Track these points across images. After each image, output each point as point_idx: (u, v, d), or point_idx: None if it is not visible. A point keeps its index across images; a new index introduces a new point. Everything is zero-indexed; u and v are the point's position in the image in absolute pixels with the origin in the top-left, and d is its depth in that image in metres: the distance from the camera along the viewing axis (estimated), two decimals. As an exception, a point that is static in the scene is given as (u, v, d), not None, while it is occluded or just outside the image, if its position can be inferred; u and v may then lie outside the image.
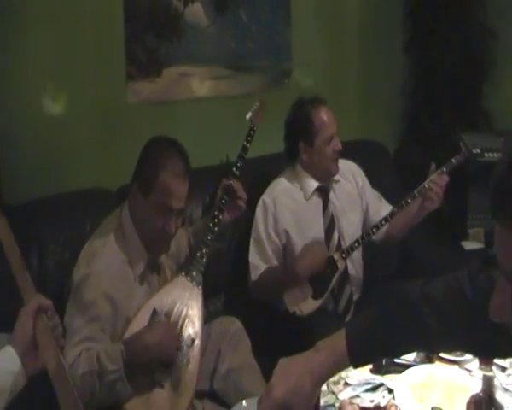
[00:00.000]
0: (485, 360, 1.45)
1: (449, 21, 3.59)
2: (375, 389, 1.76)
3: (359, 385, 1.77)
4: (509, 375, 1.77)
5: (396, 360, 1.84)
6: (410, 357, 1.86)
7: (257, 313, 2.67)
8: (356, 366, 1.29)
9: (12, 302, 1.40)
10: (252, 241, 2.68)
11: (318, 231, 2.70)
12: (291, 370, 1.25)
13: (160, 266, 2.24)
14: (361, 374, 1.80)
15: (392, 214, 2.65)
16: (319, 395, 1.59)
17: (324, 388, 1.75)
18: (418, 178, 2.70)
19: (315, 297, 2.63)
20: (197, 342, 2.12)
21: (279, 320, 2.66)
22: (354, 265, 2.77)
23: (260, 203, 2.70)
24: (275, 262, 2.67)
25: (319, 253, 2.61)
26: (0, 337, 1.65)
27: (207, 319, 2.41)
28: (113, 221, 2.16)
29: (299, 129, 2.67)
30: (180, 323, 2.12)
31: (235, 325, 2.32)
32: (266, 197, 2.70)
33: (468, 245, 3.26)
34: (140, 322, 2.05)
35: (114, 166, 2.75)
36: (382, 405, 1.69)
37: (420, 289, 1.27)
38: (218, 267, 2.55)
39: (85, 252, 2.09)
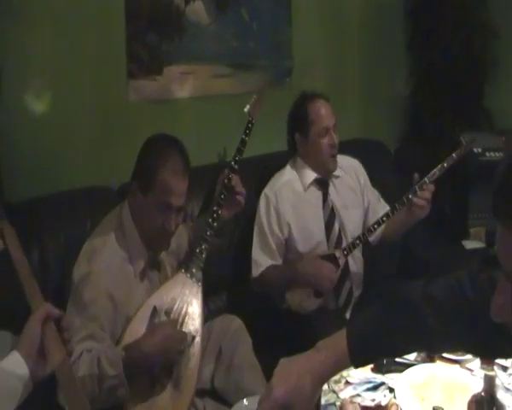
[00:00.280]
0: (487, 359, 1.45)
1: (450, 21, 3.59)
2: (376, 388, 1.76)
3: (360, 384, 1.77)
4: (510, 375, 1.77)
5: (397, 360, 1.84)
6: (411, 356, 1.86)
7: (258, 312, 2.67)
8: (357, 366, 1.29)
9: (14, 301, 1.40)
10: (255, 235, 2.69)
11: (318, 224, 2.72)
12: (291, 370, 1.25)
13: (161, 263, 2.24)
14: (362, 373, 1.80)
15: (384, 217, 2.65)
16: (320, 394, 1.59)
17: (325, 387, 1.75)
18: (419, 177, 2.70)
19: (317, 295, 2.63)
20: (198, 339, 2.12)
21: (280, 318, 2.67)
22: (355, 261, 2.77)
23: (262, 197, 2.71)
24: (278, 257, 2.68)
25: (326, 270, 2.60)
26: (2, 335, 1.65)
27: (208, 317, 2.41)
28: (113, 219, 2.16)
29: (296, 120, 2.73)
30: (180, 320, 2.11)
31: (236, 323, 2.32)
32: (268, 191, 2.72)
33: (469, 244, 3.26)
34: (140, 321, 2.05)
35: (115, 165, 2.74)
36: (383, 404, 1.69)
37: (421, 290, 1.27)
38: (219, 265, 2.54)
39: (85, 250, 2.09)
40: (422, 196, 2.56)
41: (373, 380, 1.79)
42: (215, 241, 2.35)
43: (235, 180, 2.33)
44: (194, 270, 2.21)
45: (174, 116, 2.97)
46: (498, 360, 1.76)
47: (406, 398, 1.67)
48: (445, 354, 1.87)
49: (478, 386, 1.51)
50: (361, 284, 2.81)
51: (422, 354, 1.88)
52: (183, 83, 3.03)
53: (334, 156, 2.70)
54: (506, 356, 1.58)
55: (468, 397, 1.47)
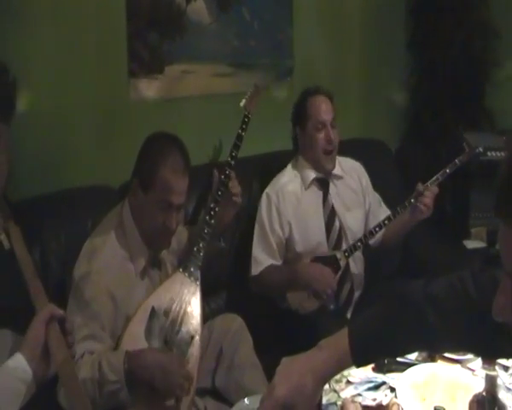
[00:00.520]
0: (488, 359, 1.45)
1: (451, 20, 3.59)
2: (377, 387, 1.76)
3: (361, 384, 1.77)
4: (511, 374, 1.77)
5: (398, 359, 1.83)
6: (413, 356, 1.86)
7: (259, 311, 2.67)
8: (358, 366, 1.29)
9: (15, 300, 1.40)
10: (255, 234, 2.69)
11: (318, 223, 2.72)
12: (293, 369, 1.25)
13: (161, 261, 2.24)
14: (363, 373, 1.80)
15: (385, 221, 2.68)
16: (321, 393, 1.59)
17: (326, 386, 1.74)
18: (420, 177, 2.70)
19: (316, 296, 2.63)
20: (196, 338, 2.12)
21: (281, 318, 2.66)
22: (355, 262, 2.77)
23: (264, 196, 2.71)
24: (278, 256, 2.69)
25: (325, 275, 2.60)
26: (3, 334, 1.65)
27: (209, 316, 2.41)
28: (114, 218, 2.16)
29: (297, 114, 2.75)
30: (179, 320, 2.11)
31: (236, 322, 2.32)
32: (270, 190, 2.72)
33: (470, 244, 3.26)
34: (139, 322, 2.05)
35: (116, 163, 2.74)
36: (384, 403, 1.69)
37: (423, 289, 1.27)
38: (219, 264, 2.54)
39: (86, 249, 2.09)
40: (424, 200, 2.57)
41: (374, 380, 1.78)
42: (216, 245, 2.34)
43: (232, 181, 2.32)
44: (192, 269, 2.21)
45: (175, 115, 2.97)
46: (500, 360, 1.76)
47: (407, 398, 1.66)
48: (446, 354, 1.86)
49: (479, 386, 1.51)
50: (362, 285, 2.81)
51: (424, 354, 1.87)
52: (184, 82, 3.03)
53: (329, 153, 2.70)
54: (508, 356, 1.58)
55: (470, 397, 1.47)
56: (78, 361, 1.88)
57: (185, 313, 2.13)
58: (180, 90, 3.03)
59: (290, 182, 2.74)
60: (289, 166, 2.79)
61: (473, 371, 1.81)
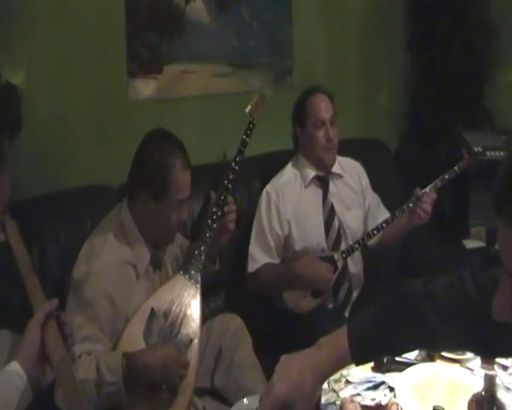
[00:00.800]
0: (487, 358, 1.45)
1: (451, 20, 3.59)
2: (376, 387, 1.76)
3: (360, 383, 1.77)
4: (510, 374, 1.77)
5: (397, 359, 1.83)
6: (412, 355, 1.86)
7: (258, 311, 2.67)
8: (358, 364, 1.29)
9: (12, 296, 1.39)
10: (253, 232, 2.70)
11: (317, 222, 2.72)
12: (293, 366, 1.25)
13: (161, 261, 2.23)
14: (362, 372, 1.80)
15: (384, 224, 2.69)
16: (320, 393, 1.59)
17: (325, 386, 1.74)
18: (419, 177, 2.71)
19: (314, 295, 2.63)
20: (195, 341, 2.11)
21: (280, 317, 2.66)
22: (354, 262, 2.77)
23: (263, 194, 2.72)
24: (275, 255, 2.69)
25: (324, 270, 2.61)
26: (2, 334, 1.64)
27: (208, 316, 2.41)
28: (113, 220, 2.15)
29: (296, 113, 2.76)
30: (178, 322, 2.11)
31: (235, 322, 2.32)
32: (269, 188, 2.73)
33: (470, 244, 3.26)
34: (138, 323, 2.04)
35: (115, 163, 2.73)
36: (383, 403, 1.68)
37: (422, 288, 1.27)
38: (219, 264, 2.54)
39: (85, 250, 2.09)
40: (422, 206, 2.58)
41: (373, 379, 1.78)
42: (212, 267, 2.34)
43: (229, 207, 2.30)
44: (192, 272, 2.20)
45: (174, 115, 2.97)
46: (499, 360, 1.76)
47: (406, 397, 1.66)
48: (445, 354, 1.86)
49: (478, 385, 1.51)
50: (360, 284, 2.81)
51: (423, 354, 1.87)
52: (183, 82, 3.03)
53: (329, 151, 2.70)
54: (507, 355, 1.58)
55: (469, 396, 1.47)
56: (76, 362, 1.87)
57: (185, 315, 2.13)
58: (179, 90, 3.03)
59: (290, 180, 2.75)
60: (289, 165, 2.80)
61: (472, 370, 1.81)
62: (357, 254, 2.77)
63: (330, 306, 2.70)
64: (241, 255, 2.73)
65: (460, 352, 1.83)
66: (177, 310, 2.12)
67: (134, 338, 2.02)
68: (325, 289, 2.62)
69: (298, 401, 1.22)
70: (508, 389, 1.70)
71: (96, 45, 2.75)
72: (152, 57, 2.91)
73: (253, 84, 3.23)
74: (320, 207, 2.75)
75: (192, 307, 2.15)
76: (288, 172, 2.78)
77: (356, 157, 2.92)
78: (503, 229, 0.93)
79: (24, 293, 1.37)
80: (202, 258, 2.23)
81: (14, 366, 1.29)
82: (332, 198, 2.77)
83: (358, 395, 1.72)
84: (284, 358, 1.28)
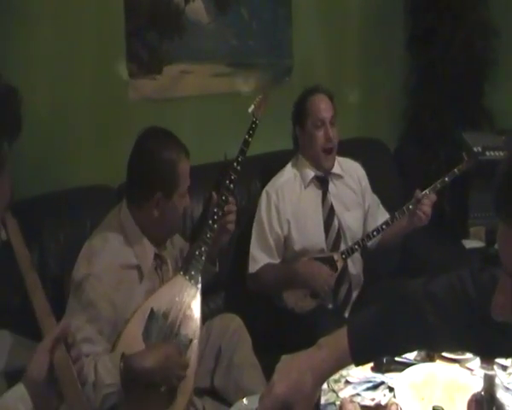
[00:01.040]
0: (487, 358, 1.45)
1: (450, 19, 3.59)
2: (375, 387, 1.75)
3: (360, 383, 1.77)
4: (510, 374, 1.77)
5: (397, 359, 1.83)
6: (411, 355, 1.86)
7: (257, 311, 2.67)
8: (357, 364, 1.29)
9: (13, 295, 1.39)
10: (254, 232, 2.70)
11: (317, 222, 2.72)
12: (293, 367, 1.25)
13: (163, 259, 2.23)
14: (362, 372, 1.80)
15: (383, 225, 2.69)
16: (320, 393, 1.59)
17: (325, 386, 1.74)
18: (419, 176, 2.71)
19: (314, 296, 2.63)
20: (195, 341, 2.11)
21: (280, 318, 2.67)
22: (353, 262, 2.77)
23: (263, 194, 2.72)
24: (276, 255, 2.69)
25: (325, 273, 2.61)
26: (2, 334, 1.64)
27: (208, 316, 2.40)
28: (113, 221, 2.14)
29: (296, 112, 2.77)
30: (178, 323, 2.10)
31: (235, 322, 2.32)
32: (269, 188, 2.73)
33: (469, 244, 3.27)
34: (137, 323, 2.04)
35: (115, 163, 2.73)
36: (383, 403, 1.68)
37: (422, 288, 1.27)
38: (219, 264, 2.54)
39: (85, 251, 2.08)
40: (422, 208, 2.58)
41: (373, 379, 1.78)
42: (211, 269, 2.34)
43: (229, 207, 2.31)
44: (193, 272, 2.20)
45: (174, 115, 2.97)
46: (498, 360, 1.76)
47: (406, 397, 1.66)
48: (444, 354, 1.86)
49: (478, 385, 1.51)
50: (360, 285, 2.82)
51: (422, 354, 1.87)
52: (182, 82, 3.03)
53: (329, 151, 2.70)
54: (506, 355, 1.58)
55: (468, 396, 1.47)
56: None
57: (184, 315, 2.12)
58: (179, 90, 3.03)
59: (290, 180, 2.75)
60: (289, 165, 2.80)
61: (471, 370, 1.81)
62: (357, 254, 2.77)
63: (330, 306, 2.70)
64: (241, 255, 2.73)
65: (459, 352, 1.83)
66: (177, 310, 2.11)
67: (133, 338, 2.01)
68: (324, 293, 2.61)
69: (298, 401, 1.22)
70: (507, 389, 1.70)
71: (96, 45, 2.75)
72: (151, 57, 2.91)
73: (252, 84, 3.23)
74: (319, 207, 2.75)
75: (192, 307, 2.15)
76: (288, 172, 2.78)
77: (355, 157, 2.92)
78: (503, 229, 0.93)
79: (24, 292, 1.36)
80: (203, 258, 2.22)
81: (21, 390, 1.26)
82: (331, 198, 2.77)
83: (358, 395, 1.72)
84: (284, 358, 1.28)
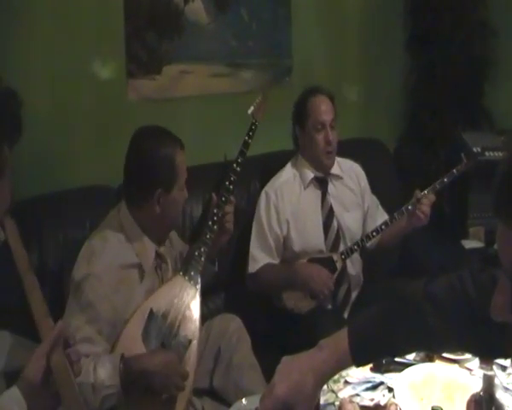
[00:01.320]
0: (486, 359, 1.45)
1: (450, 20, 3.59)
2: (375, 387, 1.75)
3: (359, 384, 1.77)
4: (509, 374, 1.77)
5: (396, 359, 1.83)
6: (411, 356, 1.86)
7: (257, 311, 2.67)
8: (358, 365, 1.29)
9: (12, 296, 1.38)
10: (253, 232, 2.70)
11: (316, 222, 2.72)
12: (294, 367, 1.25)
13: (163, 258, 2.23)
14: (361, 373, 1.79)
15: (383, 226, 2.69)
16: (319, 393, 1.59)
17: (324, 386, 1.74)
18: (418, 177, 2.71)
19: (313, 296, 2.63)
20: (194, 342, 2.11)
21: (279, 318, 2.66)
22: (353, 263, 2.77)
23: (263, 195, 2.72)
24: (275, 255, 2.69)
25: (324, 275, 2.61)
26: (1, 335, 1.64)
27: (207, 316, 2.40)
28: (112, 221, 2.14)
29: (296, 113, 2.76)
30: (177, 323, 2.10)
31: (235, 322, 2.32)
32: (268, 189, 2.73)
33: (469, 244, 3.27)
34: (137, 323, 2.04)
35: (115, 163, 2.73)
36: (382, 404, 1.68)
37: (422, 289, 1.27)
38: (218, 264, 2.54)
39: (85, 251, 2.08)
40: (421, 208, 2.58)
41: (372, 380, 1.78)
42: (210, 268, 2.34)
43: (228, 208, 2.31)
44: (192, 273, 2.20)
45: (173, 115, 2.97)
46: (497, 360, 1.76)
47: (405, 398, 1.66)
48: (444, 354, 1.86)
49: (477, 386, 1.51)
50: (359, 285, 2.82)
51: (421, 354, 1.87)
52: (182, 82, 3.03)
53: (329, 153, 2.70)
54: (506, 356, 1.58)
55: (467, 397, 1.47)
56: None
57: (184, 316, 2.12)
58: (178, 91, 3.03)
59: (289, 181, 2.75)
60: (289, 165, 2.80)
61: (470, 371, 1.81)
62: (356, 255, 2.77)
63: (329, 306, 2.70)
64: (241, 256, 2.73)
65: (459, 353, 1.83)
66: (176, 311, 2.11)
67: (132, 339, 2.01)
68: (322, 295, 2.60)
69: (299, 402, 1.22)
70: (506, 389, 1.70)
71: (95, 45, 2.75)
72: (151, 58, 2.91)
73: (252, 84, 3.23)
74: (319, 208, 2.75)
75: (191, 308, 2.15)
76: (287, 172, 2.78)
77: (355, 157, 2.92)
78: (502, 229, 0.93)
79: (23, 292, 1.35)
80: (202, 259, 2.22)
81: (15, 393, 1.26)
82: (331, 199, 2.77)
83: (357, 395, 1.72)
84: (285, 359, 1.28)
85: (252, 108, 2.43)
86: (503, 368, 1.79)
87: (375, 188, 2.93)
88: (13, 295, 1.38)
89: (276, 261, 2.70)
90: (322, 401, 1.65)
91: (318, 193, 2.77)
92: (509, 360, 1.81)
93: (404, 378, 1.74)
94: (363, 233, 2.77)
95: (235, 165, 2.33)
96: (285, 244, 2.71)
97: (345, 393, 1.73)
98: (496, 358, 1.61)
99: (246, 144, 2.37)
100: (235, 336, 2.28)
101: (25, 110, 1.30)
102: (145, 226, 2.13)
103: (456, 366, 1.84)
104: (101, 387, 1.85)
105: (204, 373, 2.23)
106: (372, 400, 1.70)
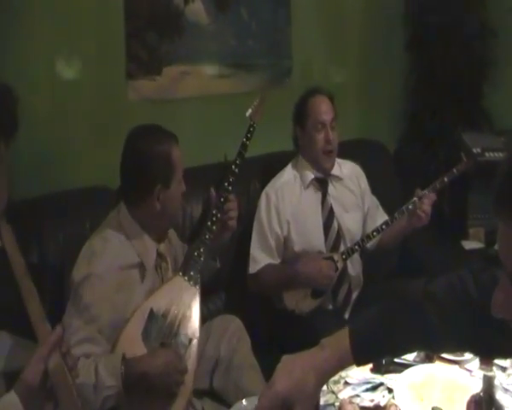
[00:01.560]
0: (486, 359, 1.45)
1: (450, 20, 3.59)
2: (374, 388, 1.75)
3: (359, 385, 1.77)
4: (509, 375, 1.77)
5: (396, 360, 1.83)
6: (410, 357, 1.86)
7: (257, 312, 2.67)
8: (359, 364, 1.29)
9: (11, 299, 1.38)
10: (254, 233, 2.70)
11: (316, 223, 2.72)
12: (295, 366, 1.25)
13: (163, 256, 2.23)
14: (361, 373, 1.79)
15: (383, 226, 2.69)
16: (319, 394, 1.59)
17: (324, 387, 1.74)
18: (418, 178, 2.71)
19: (314, 296, 2.63)
20: (194, 341, 2.11)
21: (279, 319, 2.66)
22: (353, 263, 2.77)
23: (263, 195, 2.72)
24: (276, 255, 2.69)
25: (325, 267, 2.61)
26: (1, 336, 1.63)
27: (207, 317, 2.40)
28: (112, 222, 2.14)
29: (296, 113, 2.77)
30: (177, 323, 2.11)
31: (235, 323, 2.32)
32: (269, 189, 2.73)
33: (468, 245, 3.27)
34: (137, 323, 2.04)
35: (115, 164, 2.74)
36: (382, 404, 1.68)
37: (423, 289, 1.27)
38: (219, 261, 2.54)
39: (85, 252, 2.08)
40: (422, 207, 2.58)
41: (372, 380, 1.78)
42: (212, 265, 2.34)
43: (230, 205, 2.31)
44: (192, 273, 2.20)
45: (173, 116, 2.97)
46: (497, 361, 1.76)
47: (405, 398, 1.66)
48: (444, 355, 1.86)
49: (477, 386, 1.51)
50: (359, 286, 2.82)
51: (421, 355, 1.87)
52: (182, 83, 3.03)
53: (329, 153, 2.70)
54: (506, 356, 1.58)
55: (467, 398, 1.47)
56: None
57: (184, 316, 2.12)
58: (178, 91, 3.03)
59: (290, 181, 2.75)
60: (289, 166, 2.80)
61: (470, 371, 1.81)
62: (356, 255, 2.77)
63: (330, 307, 2.70)
64: (241, 256, 2.73)
65: (459, 353, 1.83)
66: (176, 311, 2.12)
67: (133, 339, 2.01)
68: (326, 288, 2.62)
69: (300, 400, 1.22)
70: (506, 390, 1.70)
71: (96, 46, 2.75)
72: (151, 58, 2.91)
73: (252, 85, 3.23)
74: (319, 209, 2.75)
75: (191, 308, 2.15)
76: (288, 173, 2.78)
77: (355, 158, 2.92)
78: (503, 229, 0.93)
79: (20, 296, 1.35)
80: (201, 259, 2.22)
81: (12, 397, 1.26)
82: (331, 200, 2.77)
83: (357, 396, 1.72)
84: (286, 358, 1.28)
85: (250, 110, 2.44)
86: (503, 369, 1.79)
87: (375, 189, 2.94)
88: (12, 297, 1.38)
89: (276, 262, 2.70)
90: (322, 402, 1.65)
91: (318, 194, 2.77)
92: (508, 361, 1.81)
93: (404, 379, 1.74)
94: (363, 234, 2.77)
95: (233, 166, 2.34)
96: (285, 245, 2.71)
97: (345, 394, 1.73)
98: (496, 358, 1.61)
99: (244, 146, 2.38)
100: (235, 337, 2.28)
101: (25, 110, 1.30)
102: (145, 225, 2.13)
103: (456, 366, 1.84)
104: (102, 387, 1.85)
105: (204, 374, 2.23)
106: (372, 401, 1.70)
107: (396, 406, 1.65)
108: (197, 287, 2.19)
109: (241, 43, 3.20)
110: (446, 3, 3.59)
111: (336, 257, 2.65)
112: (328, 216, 2.75)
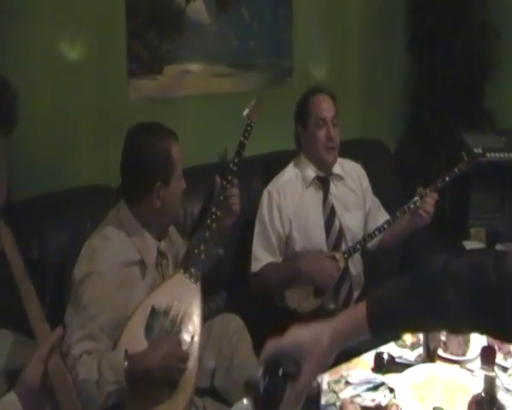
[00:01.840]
0: (488, 359, 1.45)
1: (450, 21, 3.59)
2: (376, 388, 1.76)
3: (360, 384, 1.77)
4: (510, 375, 1.77)
5: (397, 360, 1.84)
6: (412, 356, 1.86)
7: (258, 311, 2.66)
8: (374, 335, 1.28)
9: (11, 299, 1.38)
10: (256, 231, 2.70)
11: (318, 222, 2.72)
12: (310, 324, 1.26)
13: (163, 254, 2.23)
14: (362, 373, 1.80)
15: (385, 225, 2.68)
16: (320, 392, 1.59)
17: (325, 387, 1.75)
18: (419, 177, 2.71)
19: (316, 295, 2.63)
20: (196, 338, 2.12)
21: (280, 318, 2.65)
22: (354, 263, 2.78)
23: (265, 194, 2.73)
24: (278, 254, 2.70)
25: (328, 266, 2.61)
26: (3, 334, 1.63)
27: (208, 316, 2.41)
28: (112, 220, 2.14)
29: (298, 112, 2.78)
30: (179, 320, 2.11)
31: (236, 322, 2.32)
32: (271, 188, 2.74)
33: (470, 245, 3.26)
34: (138, 320, 2.04)
35: (116, 163, 2.74)
36: (383, 404, 1.69)
37: (443, 266, 1.27)
38: (223, 250, 2.54)
39: (86, 250, 2.08)
40: (424, 207, 2.58)
41: (373, 380, 1.78)
42: (214, 251, 2.34)
43: (232, 191, 2.32)
44: (192, 270, 2.21)
45: (174, 115, 2.96)
46: (499, 361, 1.76)
47: (406, 398, 1.67)
48: (445, 355, 1.87)
49: (478, 386, 1.51)
50: (360, 285, 2.82)
51: (422, 354, 1.88)
52: (183, 82, 3.03)
53: (330, 150, 2.71)
54: None
55: (469, 398, 1.47)
56: (77, 363, 1.86)
57: (185, 313, 2.13)
58: (179, 91, 3.03)
59: (291, 180, 2.76)
60: (291, 165, 2.81)
61: (471, 371, 1.81)
62: (357, 255, 2.77)
63: (331, 306, 2.70)
64: (242, 256, 2.73)
65: (460, 353, 1.84)
66: (178, 308, 2.12)
67: (135, 336, 2.01)
68: (328, 287, 2.61)
69: (311, 354, 1.23)
70: (507, 390, 1.71)
71: (96, 45, 2.75)
72: (152, 57, 2.91)
73: (253, 84, 3.24)
74: (320, 207, 2.75)
75: (192, 305, 2.16)
76: (290, 171, 2.79)
77: (356, 158, 2.93)
78: None
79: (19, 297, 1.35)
80: (202, 257, 2.23)
81: (12, 398, 1.26)
82: (332, 199, 2.77)
83: (358, 396, 1.73)
84: (297, 326, 1.29)
85: (247, 110, 2.45)
86: (505, 369, 1.79)
87: (376, 188, 2.94)
88: (12, 296, 1.38)
89: (278, 260, 2.70)
90: (323, 402, 1.65)
91: (320, 193, 2.77)
92: (510, 361, 1.81)
93: (405, 379, 1.74)
94: (364, 234, 2.77)
95: (231, 165, 2.35)
96: (287, 243, 2.71)
97: (346, 393, 1.73)
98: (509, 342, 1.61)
99: (242, 145, 2.39)
100: (236, 336, 2.28)
101: (24, 107, 1.31)
102: (146, 222, 2.14)
103: (457, 366, 1.84)
104: (105, 383, 1.86)
105: (205, 373, 2.23)
106: (373, 400, 1.70)
107: (397, 405, 1.65)
108: (198, 284, 2.20)
109: (243, 43, 3.20)
110: (447, 3, 3.58)
111: (338, 256, 2.65)
112: (330, 215, 2.75)
